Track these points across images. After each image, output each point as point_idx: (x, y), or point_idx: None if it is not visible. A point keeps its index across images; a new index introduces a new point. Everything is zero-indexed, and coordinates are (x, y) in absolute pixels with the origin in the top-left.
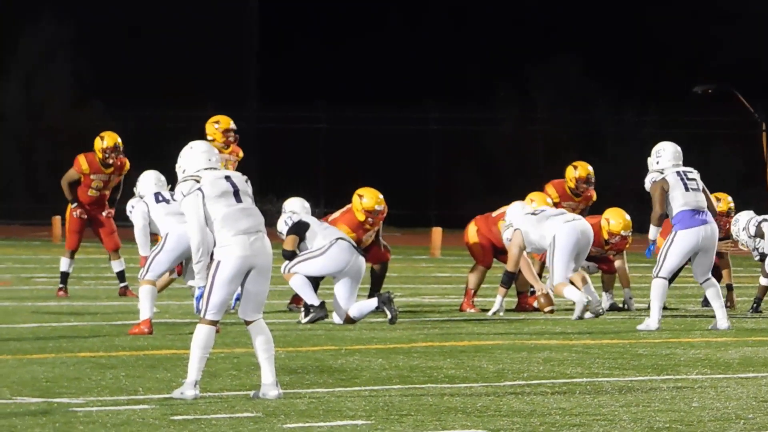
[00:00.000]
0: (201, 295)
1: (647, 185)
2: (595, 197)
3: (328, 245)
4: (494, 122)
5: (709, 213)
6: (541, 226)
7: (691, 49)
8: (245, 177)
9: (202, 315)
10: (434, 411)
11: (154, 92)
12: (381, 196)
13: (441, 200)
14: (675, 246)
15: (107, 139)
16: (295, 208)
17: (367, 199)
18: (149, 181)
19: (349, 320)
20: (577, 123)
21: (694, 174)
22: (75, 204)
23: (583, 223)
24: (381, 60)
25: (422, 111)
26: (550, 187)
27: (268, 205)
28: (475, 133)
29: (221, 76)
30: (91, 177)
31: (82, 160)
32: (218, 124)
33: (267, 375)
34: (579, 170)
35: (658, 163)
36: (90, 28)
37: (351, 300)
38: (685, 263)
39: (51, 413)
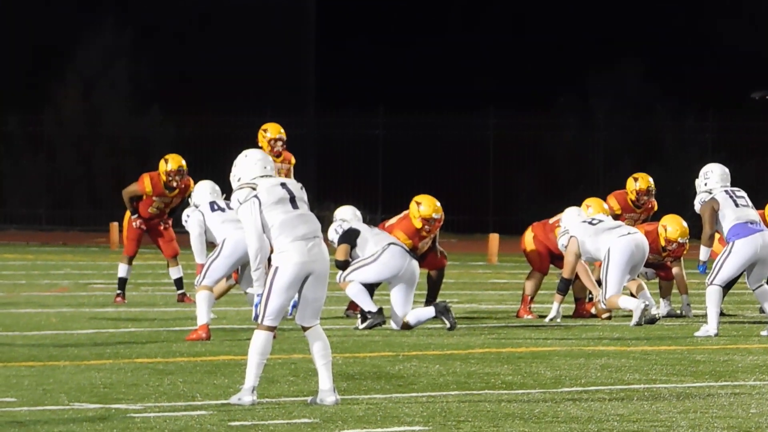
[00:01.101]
0: (259, 302)
1: (697, 207)
2: (656, 207)
3: (381, 251)
4: (554, 128)
5: (762, 224)
6: (597, 238)
7: (752, 54)
8: (300, 184)
9: (259, 321)
10: (492, 417)
11: (212, 98)
12: (438, 204)
13: (498, 207)
14: (733, 256)
15: (171, 162)
16: (346, 216)
17: (425, 206)
18: (204, 190)
19: (406, 326)
20: (637, 129)
21: (742, 192)
22: (135, 215)
23: (639, 237)
24: (440, 65)
25: (481, 117)
26: (612, 199)
27: (326, 212)
28: (534, 139)
29: (280, 81)
30: (153, 198)
31: (146, 182)
32: (266, 132)
33: (324, 381)
34: (640, 182)
35: (706, 184)
36: (148, 35)
37: (407, 305)
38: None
39: (109, 419)
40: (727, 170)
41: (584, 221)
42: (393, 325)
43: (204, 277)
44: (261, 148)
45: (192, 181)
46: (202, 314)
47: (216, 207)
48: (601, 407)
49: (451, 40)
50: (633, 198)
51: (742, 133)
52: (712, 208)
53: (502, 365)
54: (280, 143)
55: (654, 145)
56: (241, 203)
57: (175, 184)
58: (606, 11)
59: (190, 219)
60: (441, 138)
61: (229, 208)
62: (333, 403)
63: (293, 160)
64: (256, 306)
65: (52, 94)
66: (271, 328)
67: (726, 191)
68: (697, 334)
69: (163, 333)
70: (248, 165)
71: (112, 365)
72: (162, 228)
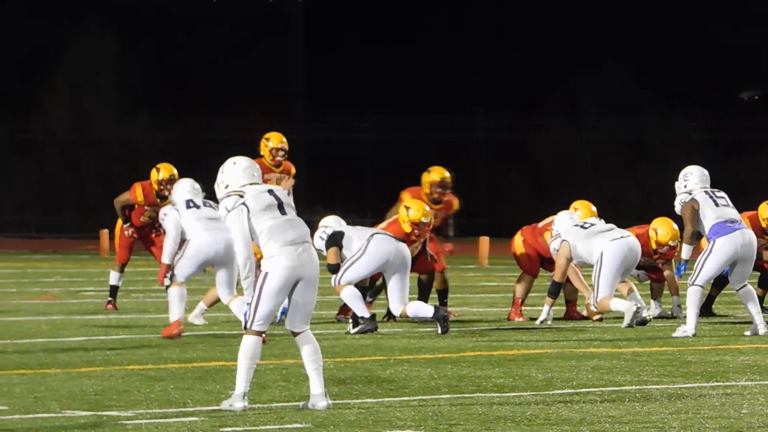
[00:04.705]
0: (248, 308)
1: (677, 208)
2: (456, 205)
3: (366, 244)
4: (542, 129)
5: (743, 222)
6: (589, 241)
7: (740, 54)
8: (286, 191)
9: (248, 326)
10: (483, 420)
11: (200, 103)
12: (428, 209)
13: (488, 209)
14: (714, 254)
15: (163, 171)
16: (329, 223)
17: (414, 211)
18: (183, 188)
19: (404, 315)
20: (625, 129)
21: (722, 193)
22: (128, 224)
23: (631, 240)
24: (426, 68)
25: (469, 119)
26: (405, 194)
27: (315, 216)
28: (522, 140)
29: (268, 86)
30: (145, 207)
31: (138, 191)
32: (269, 141)
33: (316, 386)
34: (433, 174)
35: (686, 186)
36: (136, 41)
37: (404, 291)
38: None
39: (100, 426)
40: (706, 172)
41: (576, 225)
42: (394, 311)
43: (172, 276)
44: (262, 156)
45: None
46: (174, 310)
47: (191, 204)
48: (593, 409)
49: (436, 41)
50: (428, 192)
51: (731, 132)
52: (692, 208)
53: (494, 368)
54: (281, 153)
55: (642, 145)
56: (228, 211)
57: (167, 193)
58: (592, 10)
59: (167, 218)
60: (429, 140)
61: (206, 206)
62: (325, 407)
63: (293, 170)
64: (245, 314)
65: (40, 100)
66: (259, 333)
67: (706, 191)
68: (675, 334)
69: (153, 340)
70: (236, 172)
71: (103, 372)
72: (154, 236)
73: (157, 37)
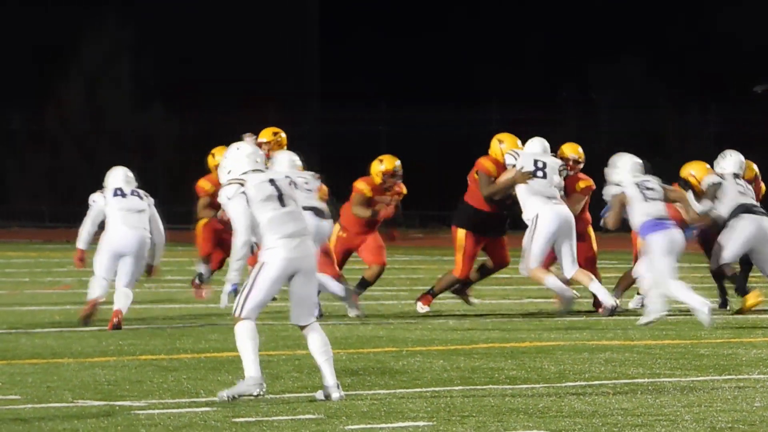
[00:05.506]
0: (234, 290)
1: (607, 196)
2: (405, 191)
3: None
4: (557, 123)
5: (671, 220)
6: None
7: (755, 47)
8: (289, 179)
9: (237, 314)
10: (496, 412)
11: (215, 94)
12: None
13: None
14: (652, 252)
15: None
16: None
17: (386, 162)
18: (116, 176)
19: (575, 280)
20: (640, 123)
21: (653, 183)
22: (214, 216)
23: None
24: (442, 60)
25: (483, 112)
26: (361, 183)
27: (329, 206)
28: (537, 133)
29: (283, 77)
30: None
31: (205, 185)
32: (381, 164)
33: (328, 377)
34: (385, 163)
35: (616, 175)
36: (151, 31)
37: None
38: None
39: (113, 416)
40: (637, 160)
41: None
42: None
43: (95, 271)
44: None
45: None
46: (92, 290)
47: (119, 193)
48: (605, 401)
49: (452, 33)
50: (379, 181)
51: (746, 126)
52: (621, 202)
53: (506, 360)
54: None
55: (657, 138)
56: (229, 199)
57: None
58: (608, 3)
59: (93, 204)
60: (444, 133)
61: (134, 195)
62: (338, 399)
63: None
64: (229, 294)
65: (55, 91)
66: (249, 319)
67: (637, 184)
68: (639, 323)
69: (167, 330)
70: (240, 158)
71: (116, 362)
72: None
73: (172, 29)
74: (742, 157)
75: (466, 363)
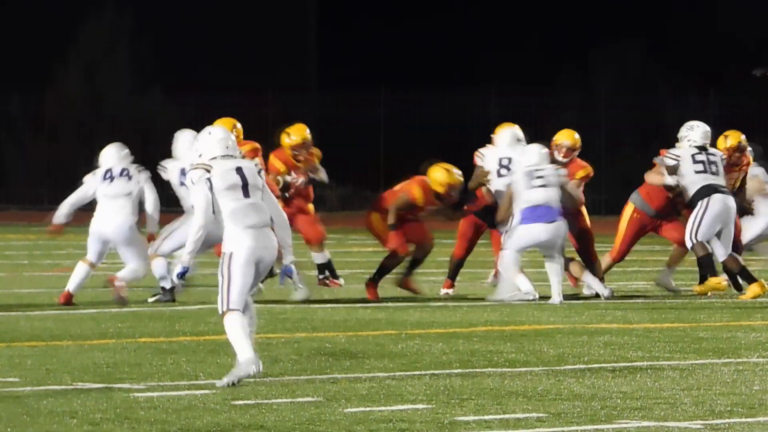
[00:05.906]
0: (182, 272)
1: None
2: (319, 153)
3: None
4: (556, 107)
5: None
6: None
7: (755, 31)
8: (259, 168)
9: (224, 308)
10: (495, 395)
11: (213, 78)
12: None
13: None
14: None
15: (294, 135)
16: None
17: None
18: (110, 155)
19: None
20: (639, 107)
21: (545, 171)
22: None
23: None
24: (440, 43)
25: (482, 96)
26: (275, 160)
27: (327, 190)
28: (536, 117)
29: (281, 61)
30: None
31: (276, 162)
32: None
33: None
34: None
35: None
36: (149, 16)
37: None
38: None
39: (112, 399)
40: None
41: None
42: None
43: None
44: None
45: (315, 154)
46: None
47: (107, 176)
48: (605, 384)
49: (451, 18)
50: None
51: (745, 110)
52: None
53: (505, 343)
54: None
55: (656, 122)
56: (194, 183)
57: (301, 158)
58: None
59: (82, 186)
60: (443, 117)
61: (123, 175)
62: (255, 372)
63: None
64: (179, 276)
65: (54, 75)
66: (236, 310)
67: (526, 173)
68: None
69: (166, 312)
70: (210, 143)
71: (115, 345)
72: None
73: (170, 13)
74: (708, 128)
75: (465, 346)
